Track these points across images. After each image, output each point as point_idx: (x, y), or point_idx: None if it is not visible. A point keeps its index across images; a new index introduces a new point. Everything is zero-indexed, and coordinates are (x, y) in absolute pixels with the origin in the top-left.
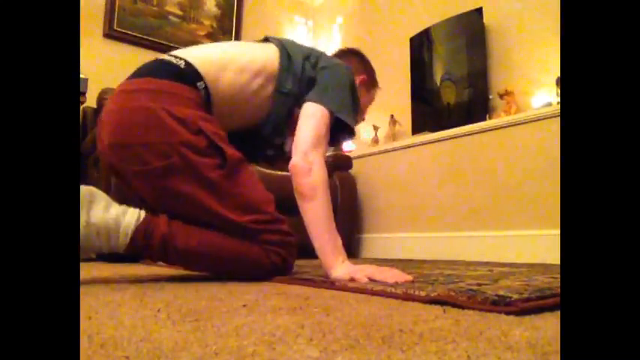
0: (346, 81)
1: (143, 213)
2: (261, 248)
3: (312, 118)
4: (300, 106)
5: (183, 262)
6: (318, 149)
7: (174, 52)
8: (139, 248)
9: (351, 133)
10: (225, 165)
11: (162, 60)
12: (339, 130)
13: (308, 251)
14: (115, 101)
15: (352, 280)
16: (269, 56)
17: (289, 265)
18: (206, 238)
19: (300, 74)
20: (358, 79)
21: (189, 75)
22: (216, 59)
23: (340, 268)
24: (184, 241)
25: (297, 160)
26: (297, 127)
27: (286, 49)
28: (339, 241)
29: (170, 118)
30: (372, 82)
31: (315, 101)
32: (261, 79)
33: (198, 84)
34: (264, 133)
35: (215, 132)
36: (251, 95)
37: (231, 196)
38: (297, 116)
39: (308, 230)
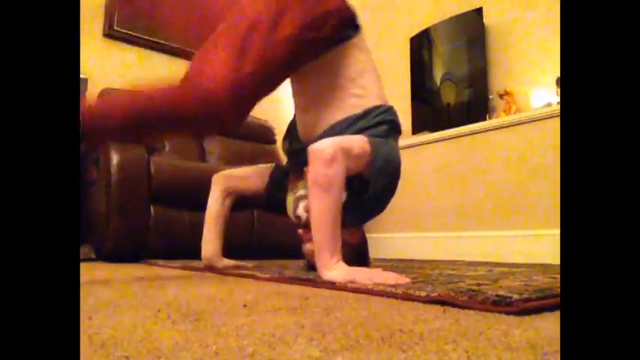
0: (394, 170)
1: None
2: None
3: (358, 138)
4: None
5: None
6: (341, 154)
7: None
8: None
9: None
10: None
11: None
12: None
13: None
14: None
15: (352, 282)
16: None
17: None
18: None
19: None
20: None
21: (355, 22)
22: (367, 47)
23: (335, 270)
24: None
25: (323, 145)
26: None
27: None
28: (339, 243)
29: None
30: None
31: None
32: (362, 91)
33: (350, 31)
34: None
35: (325, 38)
36: (346, 87)
37: (248, 52)
38: None
39: (312, 221)
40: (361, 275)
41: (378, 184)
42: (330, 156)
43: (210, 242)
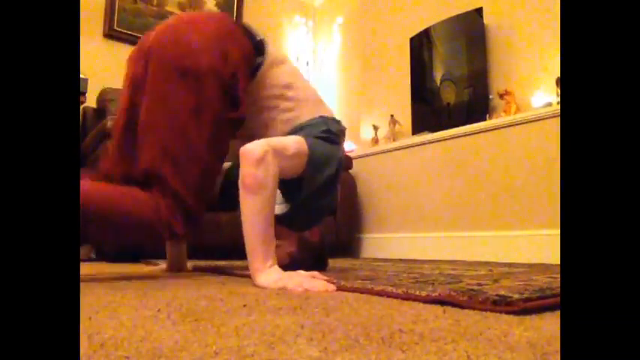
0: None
1: None
2: (153, 196)
3: (294, 138)
4: None
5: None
6: (276, 155)
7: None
8: None
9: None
10: (225, 116)
11: (250, 25)
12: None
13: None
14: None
15: (284, 288)
16: (320, 107)
17: (175, 226)
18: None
19: (317, 133)
20: None
21: (258, 45)
22: (284, 58)
23: (268, 274)
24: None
25: (252, 146)
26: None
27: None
28: (273, 246)
29: (220, 48)
30: None
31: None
32: (294, 104)
33: (259, 58)
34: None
35: (244, 89)
36: (275, 104)
37: (202, 136)
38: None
39: (243, 225)
40: (292, 281)
41: (313, 183)
42: (259, 155)
43: None
